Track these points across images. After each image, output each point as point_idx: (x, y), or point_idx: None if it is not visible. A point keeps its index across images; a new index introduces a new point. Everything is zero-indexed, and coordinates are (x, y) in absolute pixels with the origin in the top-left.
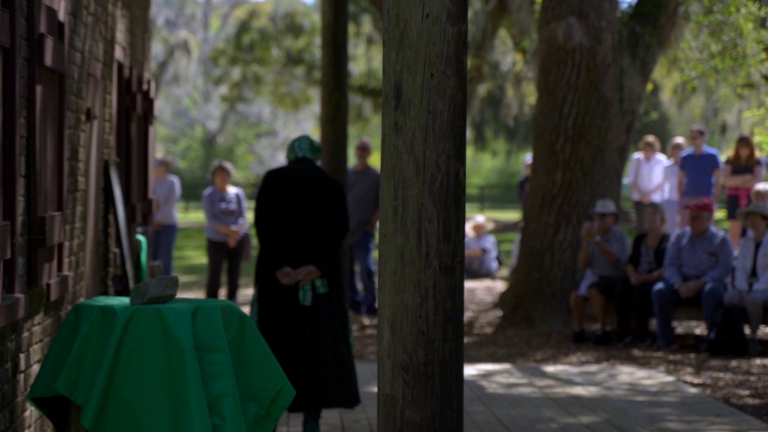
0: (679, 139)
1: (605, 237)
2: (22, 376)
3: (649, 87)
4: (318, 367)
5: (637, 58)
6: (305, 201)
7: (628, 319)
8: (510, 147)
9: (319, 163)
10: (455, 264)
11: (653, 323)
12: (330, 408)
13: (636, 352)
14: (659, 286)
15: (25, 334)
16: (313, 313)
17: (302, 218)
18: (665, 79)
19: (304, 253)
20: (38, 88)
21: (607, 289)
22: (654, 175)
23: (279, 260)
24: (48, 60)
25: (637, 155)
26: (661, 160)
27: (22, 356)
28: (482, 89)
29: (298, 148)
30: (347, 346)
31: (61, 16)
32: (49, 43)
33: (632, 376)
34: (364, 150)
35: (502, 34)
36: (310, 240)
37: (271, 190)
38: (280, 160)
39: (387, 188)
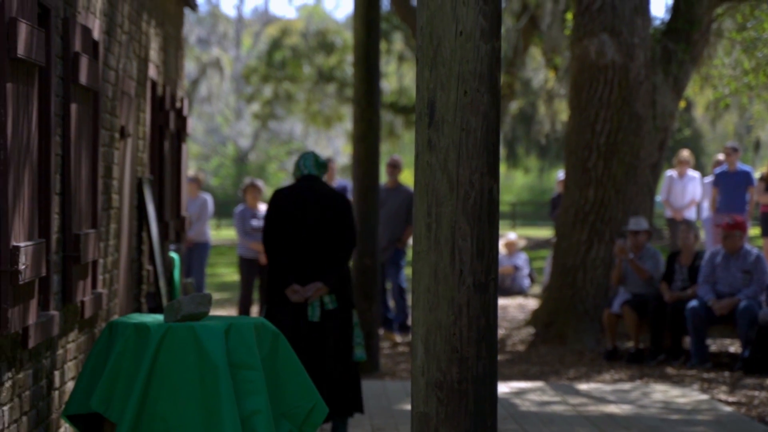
0: (722, 156)
1: (638, 254)
2: (56, 393)
3: (682, 104)
4: (323, 379)
5: (670, 74)
6: (313, 218)
7: (662, 337)
8: (542, 164)
9: (324, 177)
10: (489, 281)
11: (687, 341)
12: (336, 418)
13: (670, 370)
14: (693, 303)
15: (60, 351)
16: (321, 328)
17: (311, 235)
18: (698, 95)
19: (312, 269)
20: (73, 107)
21: (640, 307)
22: (687, 191)
23: (288, 278)
24: (83, 78)
25: (670, 172)
26: (695, 176)
27: (56, 373)
28: (514, 106)
29: (304, 165)
30: (351, 358)
31: (96, 34)
32: (83, 62)
33: (666, 394)
34: (395, 167)
35: (534, 51)
36: (318, 256)
37: (280, 208)
38: None
39: (420, 205)
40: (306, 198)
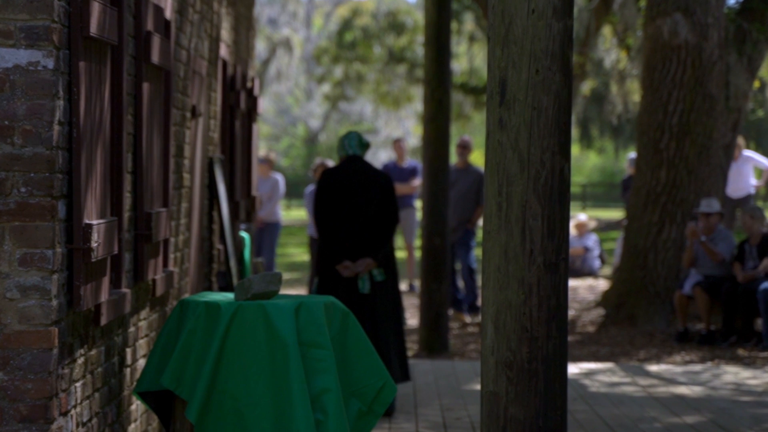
0: None
1: (710, 236)
2: (128, 370)
3: (756, 84)
4: (378, 348)
5: (744, 54)
6: (359, 197)
7: (734, 319)
8: (615, 145)
9: (382, 157)
10: (559, 261)
11: (759, 323)
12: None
13: (741, 352)
14: (765, 285)
15: (132, 329)
16: (372, 300)
17: (357, 213)
18: None
19: (361, 245)
20: (145, 86)
21: (711, 288)
22: (743, 174)
23: (339, 254)
24: (155, 57)
25: None
26: (750, 157)
27: (128, 350)
28: (586, 86)
29: (348, 146)
30: (402, 326)
31: (168, 14)
32: (155, 41)
33: (737, 376)
34: (464, 148)
35: (606, 30)
36: (365, 233)
37: (328, 189)
38: (382, 158)
39: (491, 185)
40: (352, 178)
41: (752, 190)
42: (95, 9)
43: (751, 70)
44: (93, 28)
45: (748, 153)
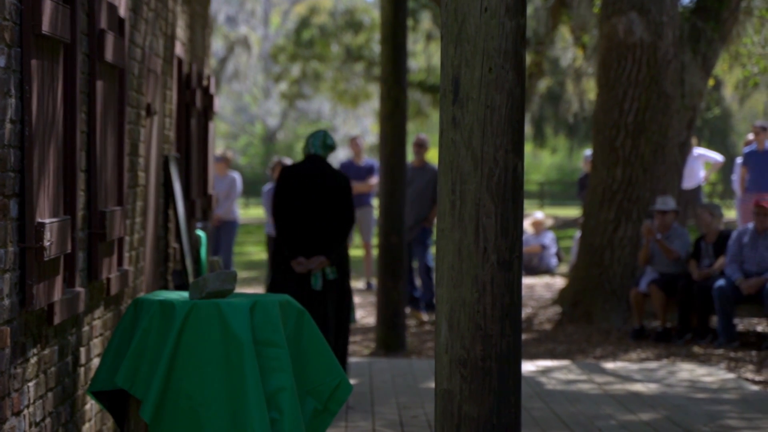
0: (752, 135)
1: (666, 234)
2: (82, 369)
3: (711, 82)
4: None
5: (699, 53)
6: (316, 196)
7: (689, 316)
8: (570, 143)
9: (345, 156)
10: (513, 259)
11: (714, 320)
12: None
13: (696, 349)
14: (720, 282)
15: (86, 328)
16: (323, 297)
17: (314, 212)
18: (727, 74)
19: (315, 243)
20: (99, 84)
21: (667, 286)
22: (695, 170)
23: (294, 250)
24: (108, 55)
25: None
26: (702, 154)
27: (82, 350)
28: (542, 85)
29: (312, 145)
30: (348, 323)
31: (122, 11)
32: (109, 39)
33: (693, 373)
34: (421, 146)
35: (563, 29)
36: (320, 231)
37: (287, 186)
38: (340, 156)
39: (444, 183)
40: (311, 177)
41: (702, 182)
42: (47, 7)
43: (706, 69)
44: (45, 26)
45: (700, 150)
